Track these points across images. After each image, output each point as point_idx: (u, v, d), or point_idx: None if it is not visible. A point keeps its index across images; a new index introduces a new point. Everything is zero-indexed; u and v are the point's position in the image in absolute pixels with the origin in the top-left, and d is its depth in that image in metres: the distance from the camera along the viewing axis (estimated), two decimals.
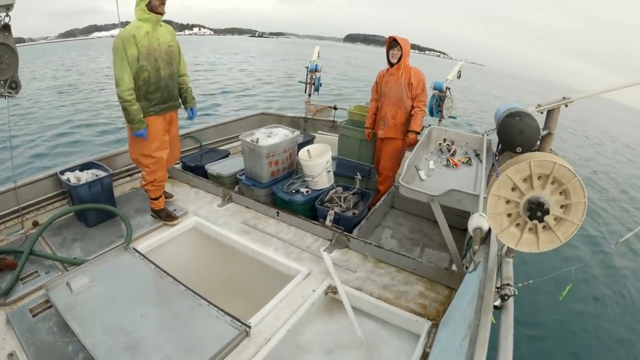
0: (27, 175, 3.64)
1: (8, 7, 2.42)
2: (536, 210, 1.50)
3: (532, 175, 1.51)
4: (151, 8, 3.07)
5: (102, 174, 3.51)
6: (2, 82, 2.60)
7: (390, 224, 4.37)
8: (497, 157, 1.85)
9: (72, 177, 3.40)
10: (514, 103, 1.89)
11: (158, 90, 3.25)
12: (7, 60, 2.56)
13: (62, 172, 3.46)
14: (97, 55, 38.93)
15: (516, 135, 1.64)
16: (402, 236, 4.13)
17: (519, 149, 1.64)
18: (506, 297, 1.69)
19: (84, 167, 3.62)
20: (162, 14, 3.14)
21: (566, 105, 1.64)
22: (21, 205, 3.24)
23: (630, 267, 7.43)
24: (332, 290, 2.75)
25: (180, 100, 3.57)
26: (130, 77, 3.06)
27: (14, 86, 2.65)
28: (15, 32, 2.59)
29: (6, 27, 2.50)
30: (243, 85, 22.47)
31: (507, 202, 1.59)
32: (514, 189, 1.56)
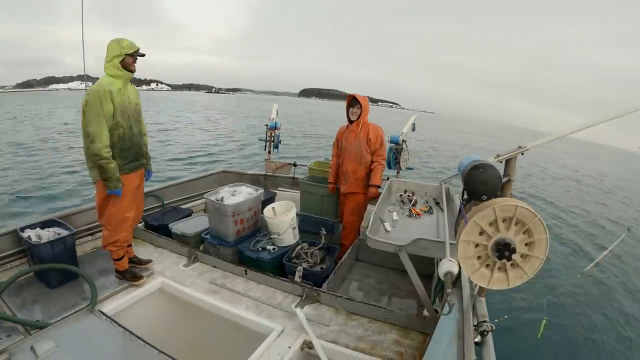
0: None
1: None
2: (504, 250, 1.62)
3: (497, 219, 1.64)
4: (124, 65, 3.08)
5: (64, 232, 3.39)
6: None
7: (357, 276, 4.41)
8: (463, 205, 1.98)
9: (33, 235, 3.27)
10: (475, 156, 2.05)
11: (132, 147, 3.21)
12: None
13: (22, 229, 3.32)
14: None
15: (481, 185, 1.78)
16: (370, 287, 4.16)
17: (484, 197, 1.77)
18: (485, 333, 1.77)
19: (44, 224, 3.50)
20: (134, 71, 3.15)
21: (522, 154, 1.81)
22: None
23: (596, 293, 7.97)
24: (307, 345, 2.73)
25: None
26: (107, 134, 2.99)
27: None
28: None
29: None
30: (213, 145, 22.44)
31: (476, 245, 1.70)
32: (481, 233, 1.68)
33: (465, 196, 1.94)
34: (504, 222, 1.65)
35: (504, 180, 1.86)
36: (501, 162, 1.87)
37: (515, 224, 1.65)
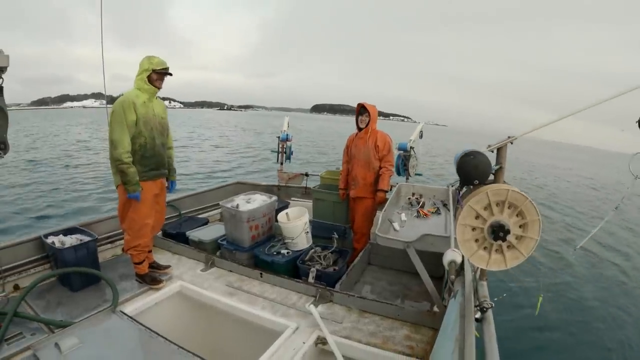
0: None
1: (1, 70, 2.51)
2: (498, 231, 1.75)
3: (491, 203, 1.77)
4: (150, 80, 3.32)
5: (86, 238, 3.55)
6: None
7: (369, 279, 4.49)
8: (459, 193, 2.11)
9: (56, 241, 3.43)
10: (468, 146, 2.19)
11: (153, 156, 3.41)
12: None
13: (46, 236, 3.48)
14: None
15: (472, 170, 1.92)
16: (382, 289, 4.23)
17: (476, 182, 1.90)
18: (485, 309, 1.88)
19: (67, 231, 3.66)
20: (159, 88, 3.38)
21: (512, 143, 1.95)
22: (2, 268, 3.21)
23: (590, 267, 8.59)
24: (321, 341, 2.82)
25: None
26: (129, 141, 3.21)
27: (3, 147, 2.68)
28: None
29: None
30: (227, 161, 22.81)
31: (473, 229, 1.82)
32: (477, 217, 1.81)
33: (460, 184, 2.07)
34: (497, 205, 1.77)
35: (496, 167, 1.98)
36: (493, 152, 2.00)
37: (509, 207, 1.77)
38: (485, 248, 1.83)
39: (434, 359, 2.38)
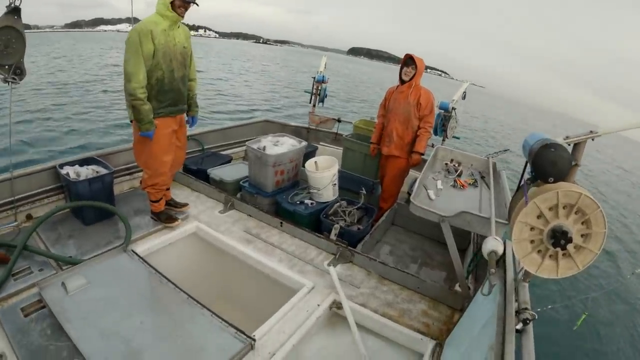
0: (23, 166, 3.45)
1: None
2: (560, 238, 1.55)
3: (559, 205, 1.55)
4: (173, 7, 2.95)
5: (102, 170, 3.42)
6: (6, 67, 2.51)
7: (391, 240, 4.36)
8: (527, 185, 1.88)
9: (71, 172, 3.30)
10: (541, 134, 1.93)
11: (171, 91, 3.13)
12: (14, 45, 2.48)
13: (62, 166, 3.36)
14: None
15: (549, 166, 1.68)
16: (403, 253, 4.12)
17: (551, 180, 1.67)
18: (527, 321, 1.71)
19: (83, 162, 3.52)
20: (181, 16, 3.02)
21: (592, 139, 1.69)
22: (16, 197, 3.12)
23: None
24: (336, 305, 2.74)
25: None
26: (144, 74, 2.91)
27: (19, 72, 2.57)
28: (23, 19, 2.52)
29: (16, 10, 2.43)
30: (257, 97, 22.23)
31: (531, 229, 1.62)
32: (539, 216, 1.60)
33: (529, 175, 1.84)
34: (564, 208, 1.57)
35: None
36: (569, 145, 1.75)
37: (575, 213, 1.56)
38: (539, 251, 1.64)
39: (447, 353, 2.26)
